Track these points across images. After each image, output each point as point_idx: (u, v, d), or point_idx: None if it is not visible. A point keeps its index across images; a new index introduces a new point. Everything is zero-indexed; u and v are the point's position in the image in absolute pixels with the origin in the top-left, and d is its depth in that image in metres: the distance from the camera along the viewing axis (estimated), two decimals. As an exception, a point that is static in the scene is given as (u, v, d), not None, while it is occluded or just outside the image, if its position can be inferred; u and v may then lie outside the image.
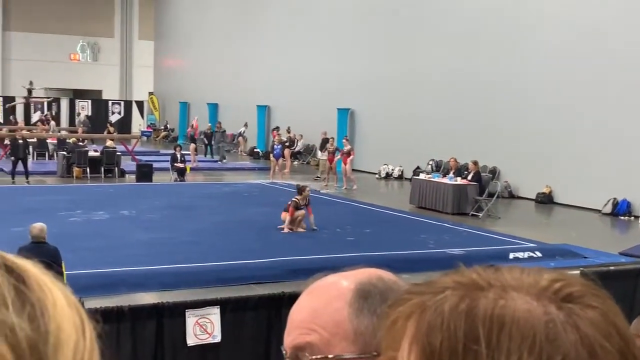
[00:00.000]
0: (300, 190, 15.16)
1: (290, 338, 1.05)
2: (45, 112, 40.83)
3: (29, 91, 40.60)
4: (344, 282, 1.07)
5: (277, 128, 31.19)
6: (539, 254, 12.73)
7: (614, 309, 0.67)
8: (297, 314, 1.06)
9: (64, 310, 0.56)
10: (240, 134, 35.11)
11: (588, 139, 19.40)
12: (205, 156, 30.76)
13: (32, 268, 0.58)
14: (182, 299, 7.48)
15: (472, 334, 0.63)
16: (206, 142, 31.39)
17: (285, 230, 14.58)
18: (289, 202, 14.83)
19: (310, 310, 1.05)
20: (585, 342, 0.63)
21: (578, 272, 8.35)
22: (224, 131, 31.54)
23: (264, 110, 34.48)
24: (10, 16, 44.41)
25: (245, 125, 34.98)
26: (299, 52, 31.59)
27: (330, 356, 1.01)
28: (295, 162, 29.66)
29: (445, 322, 0.65)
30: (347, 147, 22.91)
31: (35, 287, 0.56)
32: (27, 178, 21.74)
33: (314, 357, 1.02)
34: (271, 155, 25.52)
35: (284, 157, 25.60)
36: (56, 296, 0.57)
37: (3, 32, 44.25)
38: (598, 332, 0.63)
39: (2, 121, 38.94)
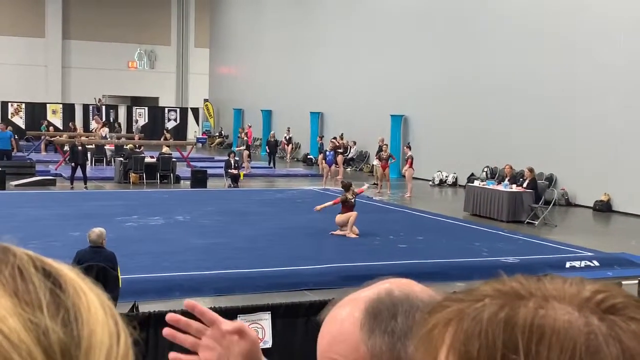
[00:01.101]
0: (347, 186, 15.23)
1: None
2: (103, 118, 41.60)
3: (98, 107, 41.52)
4: (355, 302, 1.05)
5: (339, 136, 30.48)
6: (596, 263, 12.48)
7: None
8: (319, 341, 1.06)
9: (98, 315, 0.57)
10: (286, 140, 34.89)
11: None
12: (270, 164, 30.41)
13: (69, 272, 0.59)
14: (234, 304, 7.53)
15: (510, 343, 0.62)
16: (268, 150, 30.86)
17: (338, 231, 14.64)
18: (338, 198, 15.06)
19: (328, 337, 1.05)
20: (627, 355, 0.61)
21: (637, 281, 8.16)
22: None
23: (317, 117, 34.57)
24: (69, 25, 45.48)
25: (288, 130, 34.86)
26: (353, 59, 31.61)
27: None
28: (348, 169, 29.65)
29: (483, 331, 0.64)
30: (407, 154, 22.88)
31: (71, 291, 0.57)
32: (85, 183, 22.21)
33: None
34: (324, 161, 25.54)
35: (336, 163, 25.60)
36: (91, 302, 0.57)
37: (63, 40, 45.33)
38: None
39: (61, 128, 39.88)
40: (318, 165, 29.86)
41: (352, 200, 14.98)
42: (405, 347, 1.00)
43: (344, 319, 1.04)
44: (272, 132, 32.85)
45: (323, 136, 32.47)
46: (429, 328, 0.69)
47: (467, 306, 0.67)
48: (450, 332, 0.66)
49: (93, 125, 38.09)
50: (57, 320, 0.54)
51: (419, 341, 0.70)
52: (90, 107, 43.00)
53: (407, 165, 22.42)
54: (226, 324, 1.29)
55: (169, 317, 1.32)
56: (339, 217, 14.89)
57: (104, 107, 43.30)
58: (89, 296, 0.57)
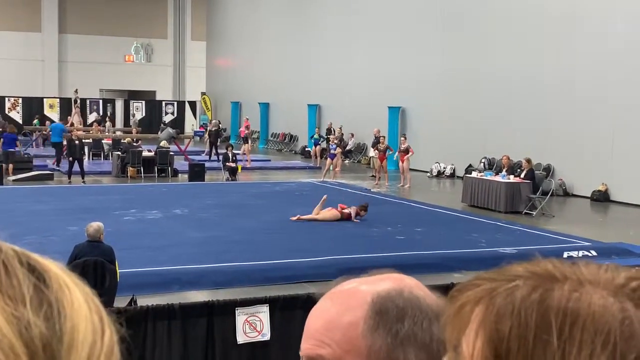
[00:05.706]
0: (364, 208, 15.62)
1: (305, 346, 1.03)
2: (101, 112, 41.31)
3: (76, 100, 40.95)
4: (362, 292, 1.02)
5: (338, 128, 30.15)
6: (594, 253, 12.49)
7: None
8: (313, 322, 1.04)
9: (82, 311, 0.56)
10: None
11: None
12: (210, 157, 28.47)
13: (54, 268, 0.59)
14: (233, 297, 7.54)
15: (543, 324, 0.62)
16: (212, 140, 29.55)
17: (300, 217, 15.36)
18: (348, 210, 15.42)
19: (325, 320, 1.02)
20: None
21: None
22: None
23: (314, 109, 34.54)
24: (66, 19, 45.36)
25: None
26: (351, 51, 31.56)
27: None
28: (347, 161, 29.63)
29: (516, 310, 0.64)
30: (404, 145, 22.88)
31: (55, 286, 0.56)
32: (83, 178, 22.16)
33: None
34: (326, 156, 25.38)
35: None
36: (75, 297, 0.57)
37: (59, 34, 45.22)
38: None
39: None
40: (312, 157, 29.85)
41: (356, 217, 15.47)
42: (405, 353, 0.98)
43: (348, 305, 1.01)
44: (214, 121, 31.05)
45: (319, 128, 32.28)
46: (458, 306, 0.69)
47: (499, 286, 0.67)
48: (481, 310, 0.66)
49: (91, 119, 37.88)
50: (40, 315, 0.53)
51: (447, 318, 0.70)
52: (78, 101, 42.43)
53: (403, 156, 22.46)
54: None
55: None
56: (324, 212, 15.49)
57: (79, 100, 42.04)
58: (73, 292, 0.57)
